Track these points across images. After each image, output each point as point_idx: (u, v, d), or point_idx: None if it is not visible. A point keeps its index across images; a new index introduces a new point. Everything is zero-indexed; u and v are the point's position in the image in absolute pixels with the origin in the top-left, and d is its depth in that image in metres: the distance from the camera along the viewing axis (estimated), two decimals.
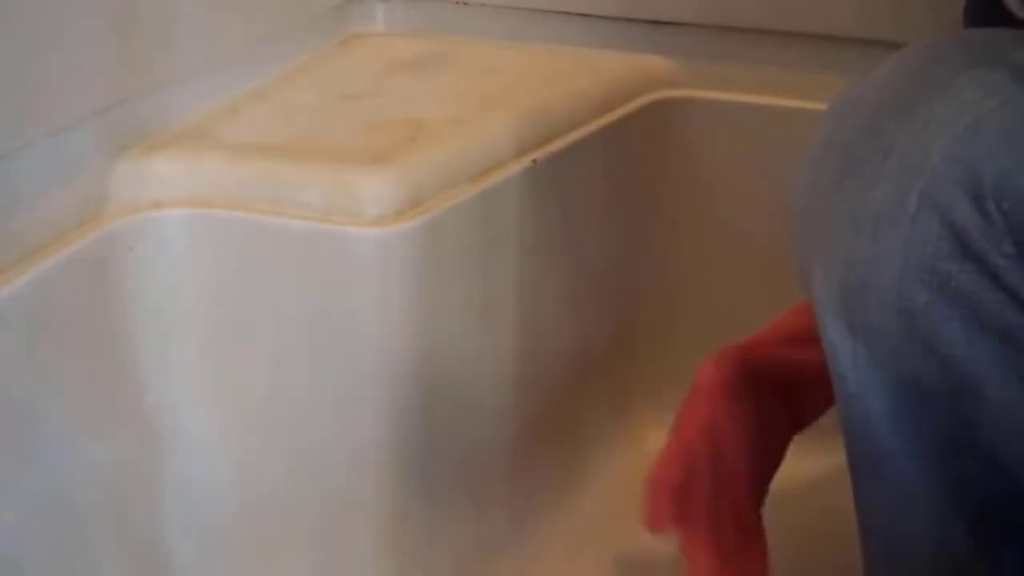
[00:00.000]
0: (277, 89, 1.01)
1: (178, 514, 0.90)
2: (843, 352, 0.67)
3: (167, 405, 0.89)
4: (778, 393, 0.80)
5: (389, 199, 0.87)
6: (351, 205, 0.87)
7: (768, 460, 0.81)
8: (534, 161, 0.97)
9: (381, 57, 1.10)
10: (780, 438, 0.81)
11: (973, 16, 0.80)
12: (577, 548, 1.06)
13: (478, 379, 0.98)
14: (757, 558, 0.79)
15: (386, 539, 0.95)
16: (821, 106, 1.09)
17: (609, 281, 1.12)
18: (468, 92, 1.02)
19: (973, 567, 0.69)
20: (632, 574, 1.01)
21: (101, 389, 0.84)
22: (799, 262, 0.68)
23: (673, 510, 0.79)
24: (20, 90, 0.77)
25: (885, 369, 0.66)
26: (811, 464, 0.90)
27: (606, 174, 1.07)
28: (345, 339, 0.89)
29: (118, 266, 0.85)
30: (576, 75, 1.08)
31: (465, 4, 1.14)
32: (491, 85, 1.03)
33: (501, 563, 1.02)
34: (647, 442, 1.17)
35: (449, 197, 0.90)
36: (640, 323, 1.15)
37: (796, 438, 0.82)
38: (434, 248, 0.89)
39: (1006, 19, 0.71)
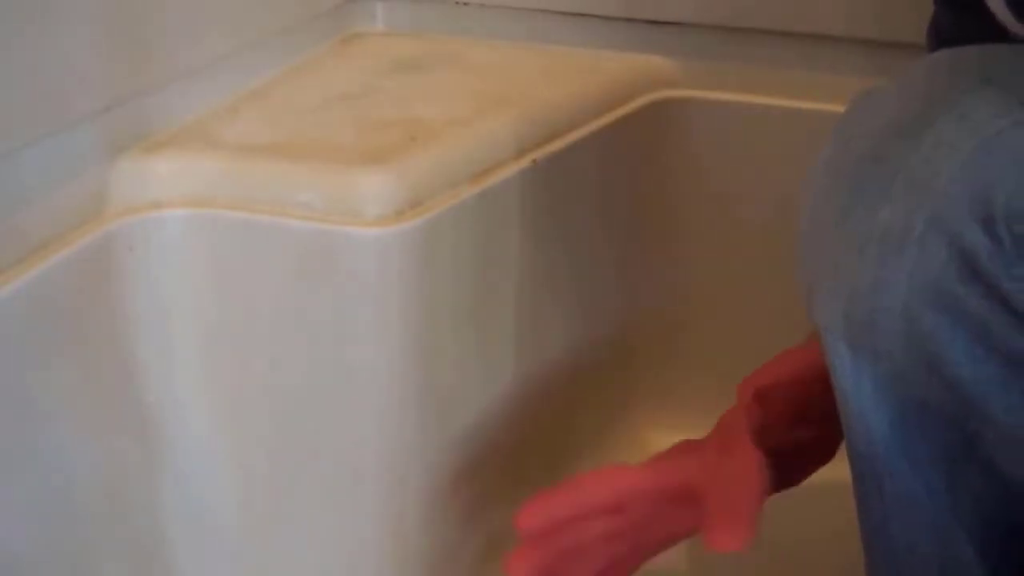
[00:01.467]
0: (277, 89, 1.01)
1: (178, 514, 0.90)
2: (846, 372, 0.66)
3: (167, 405, 0.89)
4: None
5: (389, 199, 0.87)
6: (351, 205, 0.87)
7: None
8: (534, 161, 0.97)
9: (381, 57, 1.10)
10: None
11: (941, 32, 0.79)
12: None
13: (477, 379, 0.98)
14: None
15: (386, 539, 0.95)
16: (821, 106, 1.09)
17: (609, 280, 1.12)
18: (468, 92, 1.02)
19: None
20: None
21: (101, 389, 0.84)
22: (803, 283, 0.68)
23: None
24: (20, 90, 0.77)
25: (889, 390, 0.65)
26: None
27: (606, 174, 1.07)
28: (344, 339, 0.89)
29: (118, 266, 0.85)
30: (576, 75, 1.07)
31: (465, 4, 1.14)
32: (491, 85, 1.03)
33: (501, 563, 1.02)
34: (648, 443, 1.17)
35: (449, 197, 0.90)
36: (641, 322, 1.15)
37: None
38: (433, 248, 0.89)
39: (985, 34, 0.70)
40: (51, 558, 0.81)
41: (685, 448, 0.80)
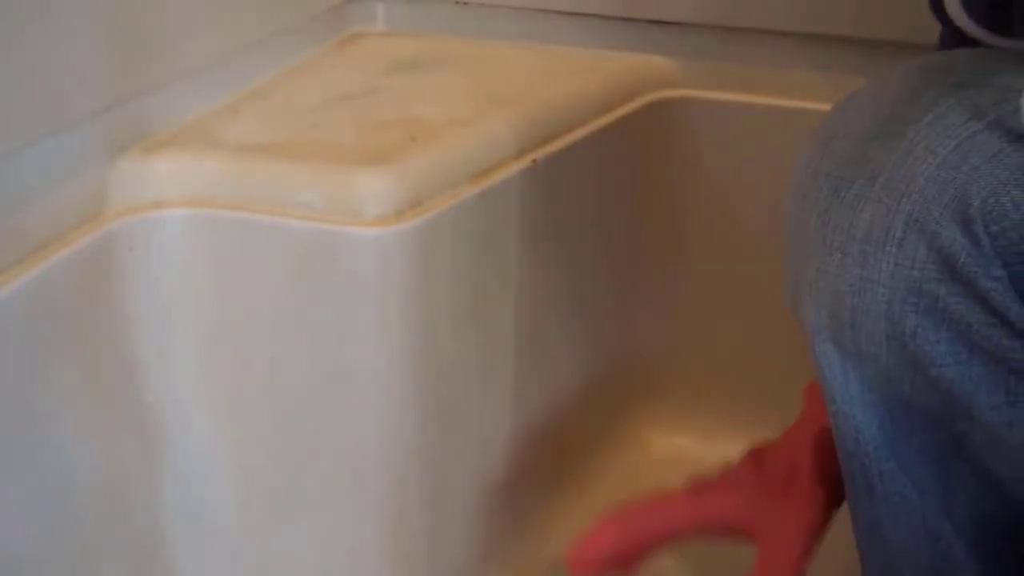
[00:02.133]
0: (277, 89, 1.01)
1: (178, 514, 0.90)
2: (833, 374, 0.67)
3: (167, 405, 0.89)
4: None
5: (389, 199, 0.87)
6: (351, 205, 0.87)
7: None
8: (534, 161, 0.97)
9: (381, 57, 1.10)
10: None
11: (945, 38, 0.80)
12: None
13: (478, 379, 0.98)
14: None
15: (386, 540, 0.95)
16: (821, 106, 1.09)
17: (609, 280, 1.12)
18: (468, 92, 1.02)
19: None
20: None
21: (101, 389, 0.84)
22: (788, 286, 0.68)
23: None
24: (20, 90, 0.77)
25: (875, 391, 0.66)
26: None
27: (606, 174, 1.07)
28: (344, 339, 0.89)
29: (118, 266, 0.85)
30: (576, 75, 1.08)
31: (465, 4, 1.14)
32: (491, 85, 1.03)
33: (501, 563, 1.03)
34: (648, 442, 1.18)
35: (449, 197, 0.90)
36: (641, 322, 1.15)
37: None
38: (433, 248, 0.89)
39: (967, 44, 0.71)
40: (51, 558, 0.81)
41: (738, 476, 0.80)
